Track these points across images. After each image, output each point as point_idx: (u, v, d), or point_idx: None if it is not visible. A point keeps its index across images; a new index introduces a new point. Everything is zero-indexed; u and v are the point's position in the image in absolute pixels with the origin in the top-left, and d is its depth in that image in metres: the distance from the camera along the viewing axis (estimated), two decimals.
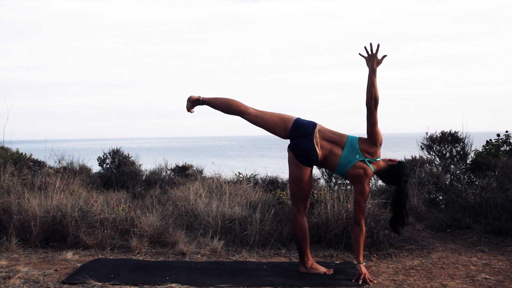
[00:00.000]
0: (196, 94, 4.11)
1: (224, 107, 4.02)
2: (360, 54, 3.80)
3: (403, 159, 8.09)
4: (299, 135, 3.81)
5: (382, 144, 3.85)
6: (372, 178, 6.97)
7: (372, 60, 3.75)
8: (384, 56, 3.76)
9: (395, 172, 3.80)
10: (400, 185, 3.79)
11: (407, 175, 3.82)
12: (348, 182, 5.26)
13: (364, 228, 3.78)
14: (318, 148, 3.79)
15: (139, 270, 3.93)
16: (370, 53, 3.76)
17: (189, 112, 4.17)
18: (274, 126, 3.90)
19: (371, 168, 3.77)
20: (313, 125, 3.86)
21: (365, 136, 3.83)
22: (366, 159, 3.76)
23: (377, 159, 3.80)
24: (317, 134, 3.81)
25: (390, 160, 3.87)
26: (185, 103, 4.15)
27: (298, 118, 3.91)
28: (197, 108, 4.18)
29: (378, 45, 3.75)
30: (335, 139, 3.83)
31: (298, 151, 3.79)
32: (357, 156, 3.76)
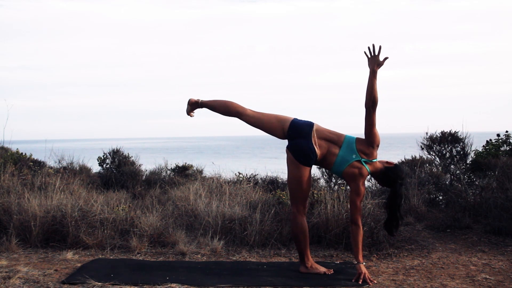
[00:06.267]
0: (196, 97, 4.16)
1: (222, 109, 4.06)
2: (364, 53, 3.80)
3: (402, 160, 8.10)
4: (296, 135, 3.83)
5: (381, 145, 3.86)
6: (372, 178, 6.98)
7: (373, 62, 3.75)
8: (386, 58, 3.76)
9: (391, 174, 3.81)
10: (395, 187, 3.80)
11: (402, 178, 3.83)
12: None
13: (361, 227, 3.78)
14: (317, 148, 3.80)
15: (139, 270, 3.93)
16: (372, 54, 3.77)
17: (189, 116, 4.21)
18: (271, 127, 3.93)
19: (367, 168, 3.77)
20: (310, 125, 3.87)
21: (363, 136, 3.85)
22: (362, 160, 3.77)
23: (373, 160, 3.80)
24: (314, 134, 3.83)
25: (387, 162, 3.88)
26: (185, 105, 4.21)
27: (295, 118, 3.93)
28: (197, 110, 4.23)
29: (380, 47, 3.75)
30: (333, 138, 3.84)
31: (297, 151, 3.80)
32: (354, 156, 3.77)
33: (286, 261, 4.37)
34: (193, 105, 4.16)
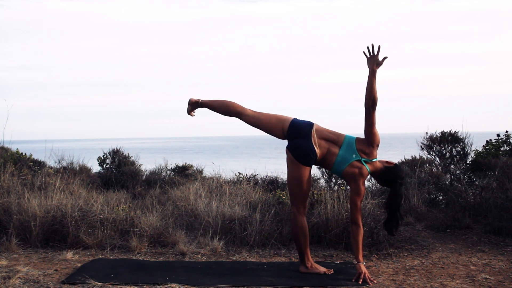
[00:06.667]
0: (196, 96, 4.17)
1: (222, 109, 4.06)
2: (363, 53, 3.80)
3: (402, 160, 8.10)
4: (296, 135, 3.83)
5: (380, 145, 3.86)
6: (372, 178, 6.98)
7: (372, 62, 3.75)
8: (385, 58, 3.76)
9: (390, 174, 3.81)
10: (395, 187, 3.80)
11: (402, 178, 3.83)
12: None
13: (362, 227, 3.78)
14: (317, 148, 3.80)
15: (139, 270, 3.93)
16: (371, 54, 3.77)
17: (190, 116, 4.22)
18: (271, 127, 3.93)
19: (367, 168, 3.77)
20: (310, 124, 3.87)
21: (363, 136, 3.84)
22: (362, 159, 3.77)
23: (373, 160, 3.80)
24: (314, 134, 3.83)
25: (387, 162, 3.87)
26: (185, 105, 4.23)
27: (294, 118, 3.93)
28: (197, 110, 4.25)
29: (379, 47, 3.75)
30: (333, 138, 3.84)
31: (297, 151, 3.80)
32: (354, 156, 3.77)
33: (286, 261, 4.37)
34: (193, 105, 4.18)
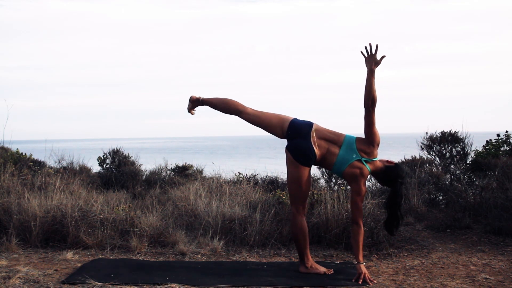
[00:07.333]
0: (197, 94, 4.16)
1: (223, 106, 4.06)
2: (361, 52, 3.80)
3: (402, 160, 8.10)
4: (296, 135, 3.82)
5: (380, 145, 3.85)
6: (372, 178, 6.98)
7: (371, 61, 3.75)
8: (383, 56, 3.75)
9: (391, 173, 3.80)
10: (396, 187, 3.79)
11: (403, 177, 3.82)
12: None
13: (362, 228, 3.77)
14: (316, 148, 3.79)
15: (139, 270, 3.93)
16: (369, 53, 3.77)
17: (190, 114, 4.22)
18: (271, 126, 3.93)
19: (368, 168, 3.77)
20: (309, 125, 3.87)
21: (363, 136, 3.84)
22: (363, 159, 3.76)
23: (374, 159, 3.80)
24: (314, 134, 3.82)
25: (387, 161, 3.87)
26: (185, 104, 4.23)
27: (294, 118, 3.93)
28: (197, 108, 4.24)
29: (377, 46, 3.75)
30: (332, 138, 3.84)
31: (296, 151, 3.80)
32: (354, 156, 3.76)
33: (286, 261, 4.37)
34: (194, 103, 4.17)
